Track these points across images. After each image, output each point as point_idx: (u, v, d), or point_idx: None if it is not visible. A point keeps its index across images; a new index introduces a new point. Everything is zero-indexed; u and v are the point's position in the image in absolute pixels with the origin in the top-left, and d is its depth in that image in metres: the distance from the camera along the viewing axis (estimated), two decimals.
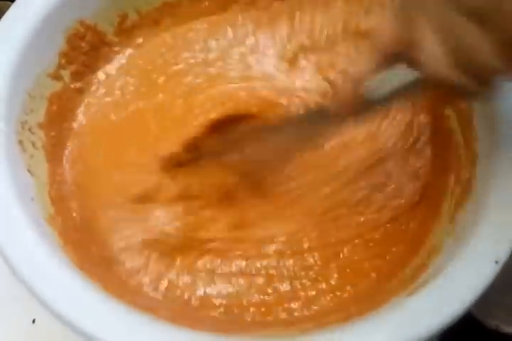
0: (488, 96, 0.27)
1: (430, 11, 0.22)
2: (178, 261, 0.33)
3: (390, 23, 0.24)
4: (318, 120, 0.30)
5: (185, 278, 0.32)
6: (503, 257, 0.26)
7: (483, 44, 0.21)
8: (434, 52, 0.22)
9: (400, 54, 0.24)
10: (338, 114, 0.28)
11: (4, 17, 0.33)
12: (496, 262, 0.26)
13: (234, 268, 0.32)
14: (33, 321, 0.35)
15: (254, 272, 0.32)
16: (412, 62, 0.23)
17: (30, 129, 0.33)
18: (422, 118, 0.36)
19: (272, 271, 0.32)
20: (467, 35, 0.21)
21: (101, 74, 0.38)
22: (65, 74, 0.36)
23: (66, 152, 0.36)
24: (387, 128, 0.36)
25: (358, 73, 0.26)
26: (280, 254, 0.33)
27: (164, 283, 0.32)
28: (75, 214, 0.34)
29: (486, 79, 0.23)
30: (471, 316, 0.32)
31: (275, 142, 0.33)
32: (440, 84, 0.24)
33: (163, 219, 0.34)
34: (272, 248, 0.33)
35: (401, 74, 0.26)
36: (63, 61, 0.36)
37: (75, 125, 0.37)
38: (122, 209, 0.34)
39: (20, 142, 0.32)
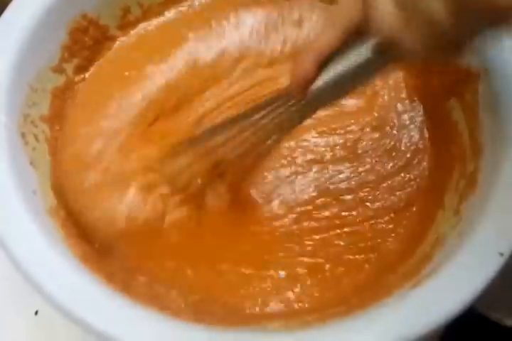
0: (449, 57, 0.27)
1: None
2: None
3: None
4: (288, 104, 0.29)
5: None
6: (507, 249, 0.26)
7: (437, 4, 0.20)
8: (387, 15, 0.22)
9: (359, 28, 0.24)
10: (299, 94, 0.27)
11: (7, 10, 0.33)
12: (501, 254, 0.26)
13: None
14: (36, 313, 0.35)
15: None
16: (368, 31, 0.23)
17: (32, 122, 0.33)
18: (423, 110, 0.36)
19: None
20: None
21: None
22: (68, 67, 0.36)
23: None
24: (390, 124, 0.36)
25: (320, 47, 0.26)
26: None
27: None
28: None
29: (441, 44, 0.22)
30: (473, 309, 0.32)
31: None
32: (395, 52, 0.23)
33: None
34: None
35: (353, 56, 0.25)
36: (66, 54, 0.36)
37: None
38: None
39: (23, 135, 0.32)
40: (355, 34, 0.25)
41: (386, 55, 0.25)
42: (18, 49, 0.32)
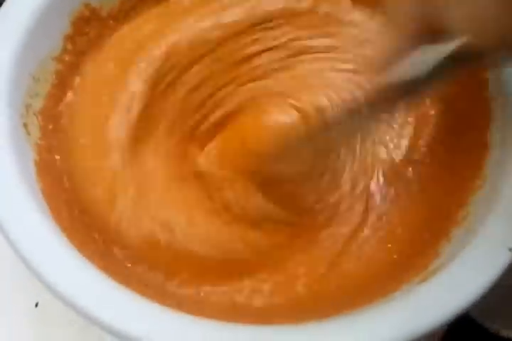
0: None
1: None
2: None
3: None
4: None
5: None
6: None
7: None
8: (465, 17, 0.19)
9: (423, 30, 0.21)
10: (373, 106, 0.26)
11: None
12: (510, 249, 0.25)
13: None
14: (36, 305, 0.35)
15: None
16: (439, 36, 0.21)
17: (34, 113, 0.33)
18: None
19: None
20: None
21: None
22: (70, 57, 0.36)
23: None
24: None
25: (380, 60, 0.24)
26: None
27: None
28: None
29: None
30: (471, 319, 0.32)
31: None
32: (478, 54, 0.21)
33: None
34: None
35: (431, 53, 0.23)
36: (68, 44, 0.35)
37: None
38: None
39: (25, 125, 0.32)
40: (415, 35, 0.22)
41: (461, 60, 0.23)
42: (21, 39, 0.32)
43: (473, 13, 0.19)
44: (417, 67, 0.23)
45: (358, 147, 0.34)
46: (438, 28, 0.21)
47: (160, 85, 0.35)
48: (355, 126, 0.30)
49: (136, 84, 0.34)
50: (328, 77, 0.34)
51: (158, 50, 0.35)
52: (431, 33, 0.21)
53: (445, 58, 0.22)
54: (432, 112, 0.35)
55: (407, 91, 0.25)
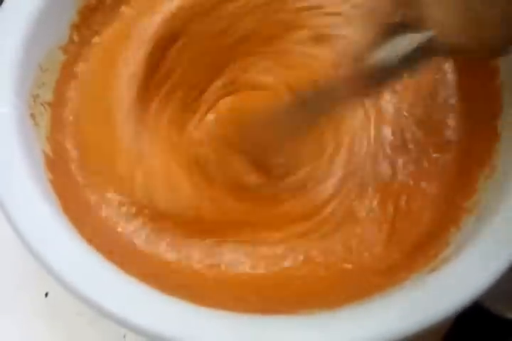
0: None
1: None
2: None
3: None
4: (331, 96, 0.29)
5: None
6: None
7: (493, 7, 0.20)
8: (441, 16, 0.21)
9: (399, 22, 0.23)
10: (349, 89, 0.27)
11: None
12: None
13: None
14: (46, 295, 0.35)
15: None
16: (415, 28, 0.23)
17: (42, 103, 0.33)
18: None
19: None
20: None
21: None
22: (77, 47, 0.35)
23: None
24: None
25: (357, 48, 0.25)
26: None
27: None
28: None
29: (497, 45, 0.22)
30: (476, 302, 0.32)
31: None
32: (449, 50, 0.23)
33: None
34: None
35: (404, 41, 0.24)
36: (75, 34, 0.35)
37: None
38: None
39: (33, 116, 0.32)
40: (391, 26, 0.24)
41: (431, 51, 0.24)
42: (28, 28, 0.32)
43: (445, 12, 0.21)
44: (387, 57, 0.25)
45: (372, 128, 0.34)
46: (410, 22, 0.22)
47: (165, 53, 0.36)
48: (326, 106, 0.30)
49: (137, 56, 0.35)
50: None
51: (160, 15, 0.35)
52: (402, 26, 0.23)
53: (414, 49, 0.24)
54: (443, 101, 0.35)
55: (377, 78, 0.26)
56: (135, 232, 0.32)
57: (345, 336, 0.23)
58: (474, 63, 0.32)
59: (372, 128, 0.34)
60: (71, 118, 0.35)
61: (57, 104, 0.34)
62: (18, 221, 0.27)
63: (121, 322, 0.25)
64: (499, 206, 0.26)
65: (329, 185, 0.33)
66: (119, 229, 0.32)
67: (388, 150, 0.34)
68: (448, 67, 0.35)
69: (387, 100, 0.34)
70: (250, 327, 0.24)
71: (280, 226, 0.32)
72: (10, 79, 0.30)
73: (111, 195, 0.33)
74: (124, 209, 0.33)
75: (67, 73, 0.35)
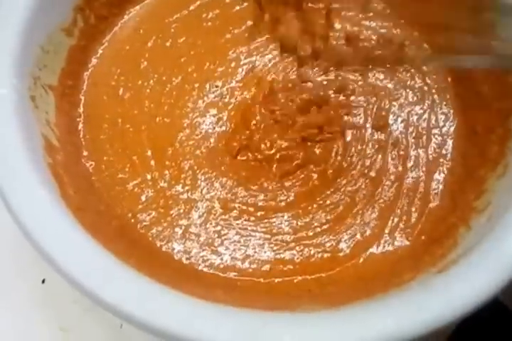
0: None
1: None
2: None
3: None
4: None
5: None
6: None
7: None
8: None
9: None
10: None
11: None
12: None
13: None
14: (43, 281, 0.35)
15: None
16: None
17: (43, 86, 0.32)
18: None
19: None
20: None
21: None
22: (79, 30, 0.35)
23: None
24: None
25: None
26: None
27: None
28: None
29: None
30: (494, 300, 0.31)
31: None
32: None
33: None
34: None
35: None
36: (78, 16, 0.34)
37: None
38: None
39: (33, 98, 0.31)
40: None
41: None
42: (30, 9, 0.31)
43: None
44: None
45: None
46: None
47: None
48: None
49: None
50: None
51: None
52: None
53: None
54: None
55: None
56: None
57: (345, 336, 0.23)
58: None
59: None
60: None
61: (62, 89, 0.34)
62: (15, 206, 0.26)
63: (116, 313, 0.24)
64: (510, 206, 0.26)
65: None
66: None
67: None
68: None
69: None
70: (250, 322, 0.24)
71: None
72: (10, 60, 0.30)
73: None
74: None
75: (75, 57, 0.35)
